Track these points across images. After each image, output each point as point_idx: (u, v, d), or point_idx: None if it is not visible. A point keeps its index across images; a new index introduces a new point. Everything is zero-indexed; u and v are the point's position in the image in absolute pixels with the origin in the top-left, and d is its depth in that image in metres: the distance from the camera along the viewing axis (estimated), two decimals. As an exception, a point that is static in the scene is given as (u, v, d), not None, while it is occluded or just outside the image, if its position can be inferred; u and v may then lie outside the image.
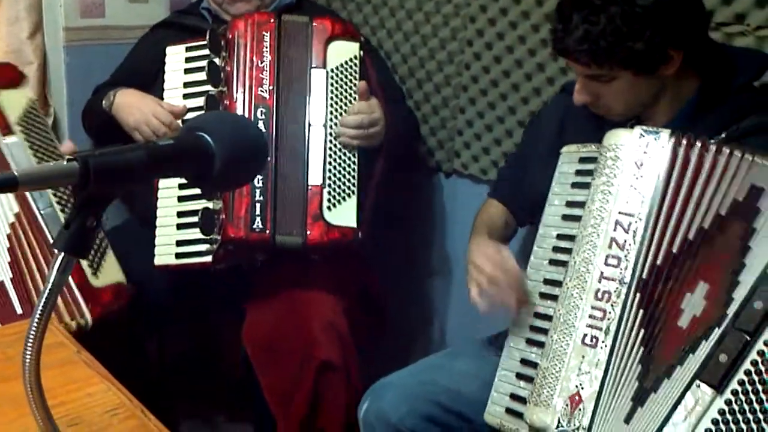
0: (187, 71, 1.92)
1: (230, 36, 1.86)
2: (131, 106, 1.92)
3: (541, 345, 1.41)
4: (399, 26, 2.29)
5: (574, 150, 1.48)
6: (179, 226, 1.85)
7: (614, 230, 1.33)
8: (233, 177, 0.90)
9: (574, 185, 1.45)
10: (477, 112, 2.17)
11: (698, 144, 1.30)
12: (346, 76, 1.87)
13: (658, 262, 1.28)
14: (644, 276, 1.29)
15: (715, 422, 1.16)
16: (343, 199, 1.82)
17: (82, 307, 1.49)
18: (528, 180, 1.67)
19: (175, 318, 2.10)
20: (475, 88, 2.15)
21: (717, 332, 1.21)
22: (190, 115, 1.90)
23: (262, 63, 1.84)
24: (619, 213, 1.34)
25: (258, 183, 1.79)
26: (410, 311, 2.44)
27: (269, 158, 1.80)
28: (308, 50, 1.87)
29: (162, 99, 1.93)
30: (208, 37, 1.86)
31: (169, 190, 1.87)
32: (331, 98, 1.85)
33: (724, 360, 1.18)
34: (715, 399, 1.18)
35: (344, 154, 1.84)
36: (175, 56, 1.94)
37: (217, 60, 1.85)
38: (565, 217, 1.45)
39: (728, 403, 1.17)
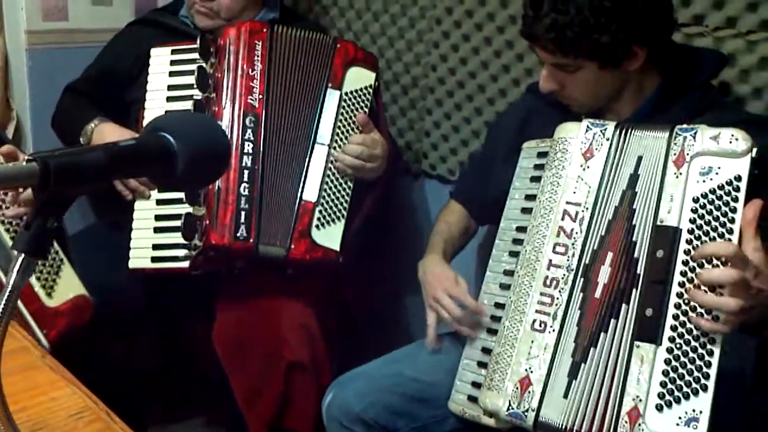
0: (172, 74, 1.90)
1: (221, 42, 1.84)
2: None
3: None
4: (365, 28, 2.29)
5: (533, 145, 1.52)
6: (157, 230, 1.83)
7: (562, 219, 1.38)
8: (197, 177, 0.89)
9: (533, 179, 1.49)
10: (444, 114, 2.18)
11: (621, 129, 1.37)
12: (358, 103, 1.88)
13: (595, 246, 1.34)
14: (586, 261, 1.34)
15: (665, 373, 1.20)
16: (333, 221, 1.83)
17: (37, 334, 1.47)
18: (491, 179, 1.69)
19: (147, 322, 2.08)
20: (442, 89, 2.16)
21: (635, 293, 1.27)
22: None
23: (252, 71, 1.83)
24: (567, 203, 1.38)
25: (244, 191, 1.78)
26: (382, 311, 2.44)
27: (256, 167, 1.79)
28: (328, 69, 1.87)
29: (144, 99, 1.90)
30: (199, 41, 1.84)
31: (143, 199, 1.85)
32: (341, 120, 1.86)
33: (650, 314, 1.24)
34: (657, 352, 1.22)
35: (341, 177, 1.85)
36: (161, 58, 1.91)
37: (206, 65, 1.83)
38: (524, 210, 1.48)
39: (669, 351, 1.21)
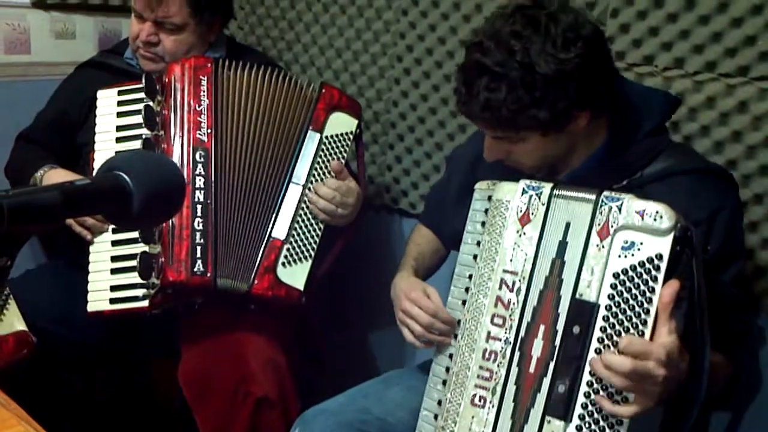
0: (119, 114, 1.90)
1: (166, 80, 1.86)
2: None
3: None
4: (328, 64, 2.33)
5: (485, 187, 1.46)
6: (114, 271, 1.81)
7: (499, 289, 1.34)
8: (153, 214, 0.90)
9: (483, 224, 1.44)
10: (405, 148, 2.22)
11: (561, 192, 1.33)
12: (337, 147, 1.90)
13: (529, 318, 1.31)
14: (522, 334, 1.31)
15: None
16: (299, 260, 1.83)
17: None
18: (448, 213, 1.70)
19: (107, 355, 2.06)
20: (403, 125, 2.20)
21: (551, 365, 1.26)
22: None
23: (199, 107, 1.84)
24: (504, 271, 1.34)
25: (198, 225, 1.77)
26: (345, 344, 2.45)
27: (209, 201, 1.80)
28: (310, 111, 1.90)
29: (93, 141, 1.90)
30: (144, 80, 1.85)
31: (101, 234, 1.85)
32: (318, 163, 1.88)
33: (562, 390, 1.23)
34: (566, 429, 1.22)
35: (313, 218, 1.86)
36: (107, 99, 1.91)
37: (152, 104, 1.84)
38: (476, 258, 1.43)
39: (579, 429, 1.22)
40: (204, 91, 1.85)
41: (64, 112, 2.08)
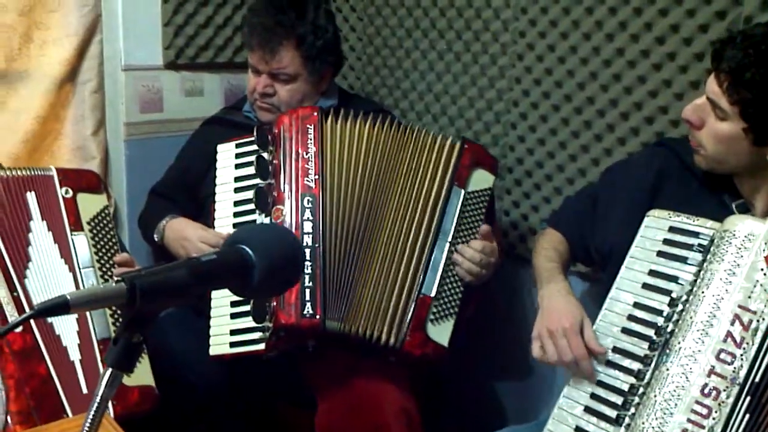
0: (237, 166, 1.99)
1: (276, 131, 1.93)
2: (179, 239, 2.02)
3: (600, 416, 1.37)
4: (443, 111, 2.35)
5: (663, 216, 1.42)
6: (233, 316, 1.88)
7: (731, 324, 1.27)
8: (272, 286, 0.94)
9: (661, 254, 1.41)
10: (523, 193, 2.19)
11: None
12: (477, 204, 1.93)
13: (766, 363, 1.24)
14: (756, 379, 1.24)
15: None
16: (446, 317, 1.85)
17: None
18: (600, 226, 1.62)
19: (231, 403, 2.13)
20: (521, 169, 2.18)
21: None
22: (240, 208, 1.96)
23: (306, 154, 1.90)
24: (739, 307, 1.27)
25: (306, 269, 1.82)
26: (465, 389, 2.42)
27: (317, 245, 1.84)
28: (452, 167, 1.93)
29: (214, 193, 2.00)
30: (255, 133, 1.94)
31: None
32: (463, 220, 1.91)
33: None
34: None
35: (458, 275, 1.88)
36: (226, 153, 2.01)
37: (265, 154, 1.92)
38: (647, 287, 1.40)
39: None
40: (311, 139, 1.91)
41: (189, 167, 2.21)
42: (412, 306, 1.83)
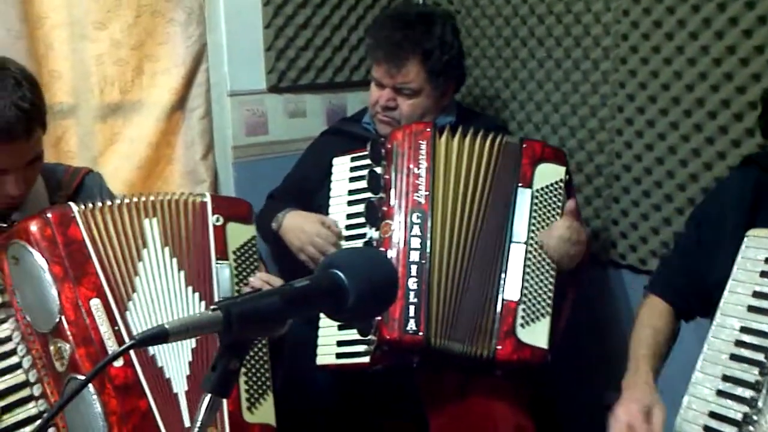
0: (351, 180, 2.01)
1: (389, 146, 1.94)
2: (295, 229, 2.04)
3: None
4: (546, 119, 2.30)
5: (764, 235, 1.37)
6: (341, 327, 1.90)
7: None
8: (366, 310, 0.94)
9: (764, 274, 1.35)
10: (632, 201, 2.12)
11: None
12: (550, 198, 1.89)
13: None
14: None
15: None
16: (538, 318, 1.81)
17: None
18: (703, 264, 1.55)
19: (340, 418, 2.15)
20: (629, 177, 2.11)
21: None
22: (352, 221, 1.98)
23: (418, 170, 1.89)
24: None
25: (412, 285, 1.81)
26: (578, 408, 2.35)
27: (424, 261, 1.83)
28: (517, 169, 1.91)
29: (328, 205, 2.03)
30: (369, 147, 1.95)
31: None
32: (534, 218, 1.87)
33: None
34: None
35: (543, 273, 1.84)
36: (341, 166, 2.04)
37: (377, 169, 1.93)
38: (752, 309, 1.34)
39: None
40: (423, 155, 1.90)
41: (305, 176, 2.24)
42: (498, 314, 1.80)
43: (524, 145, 1.92)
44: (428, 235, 1.84)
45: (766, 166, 1.44)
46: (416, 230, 1.85)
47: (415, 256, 1.83)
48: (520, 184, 1.89)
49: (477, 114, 2.33)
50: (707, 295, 1.52)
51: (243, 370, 1.61)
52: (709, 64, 1.86)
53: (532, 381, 1.98)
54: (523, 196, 1.88)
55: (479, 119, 2.20)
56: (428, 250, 1.84)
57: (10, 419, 1.44)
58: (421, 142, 1.91)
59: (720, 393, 1.34)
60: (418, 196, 1.88)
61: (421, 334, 1.79)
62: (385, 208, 1.88)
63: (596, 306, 2.27)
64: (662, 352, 1.58)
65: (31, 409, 1.46)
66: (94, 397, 1.41)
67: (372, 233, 1.89)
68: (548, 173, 1.90)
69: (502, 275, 1.83)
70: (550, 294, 1.82)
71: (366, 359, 1.84)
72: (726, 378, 1.35)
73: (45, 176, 1.70)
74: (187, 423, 1.50)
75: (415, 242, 1.84)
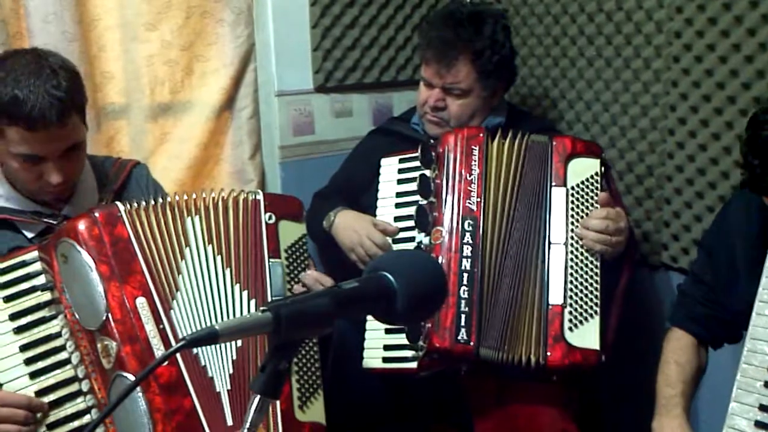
0: (399, 182, 2.00)
1: (441, 150, 1.91)
2: (348, 229, 2.02)
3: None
4: (596, 119, 2.26)
5: None
6: (388, 331, 1.89)
7: None
8: (416, 313, 0.93)
9: None
10: (684, 203, 2.07)
11: None
12: (586, 193, 1.86)
13: None
14: None
15: None
16: (585, 319, 1.78)
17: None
18: (721, 294, 1.53)
19: (388, 422, 2.14)
20: (681, 177, 2.06)
21: None
22: (400, 224, 1.96)
23: (470, 176, 1.86)
24: None
25: (463, 294, 1.79)
26: (623, 413, 2.31)
27: (475, 270, 1.81)
28: (548, 168, 1.88)
29: (375, 206, 2.02)
30: (419, 151, 1.93)
31: None
32: (572, 216, 1.84)
33: None
34: None
35: (586, 273, 1.80)
36: (389, 167, 2.02)
37: (428, 172, 1.91)
38: None
39: None
40: (475, 161, 1.87)
41: (353, 175, 2.23)
42: (545, 320, 1.77)
43: (554, 143, 1.88)
44: (480, 243, 1.82)
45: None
46: (468, 238, 1.83)
47: (466, 264, 1.81)
48: (553, 184, 1.85)
49: (527, 114, 2.30)
50: (731, 322, 1.50)
51: (294, 368, 1.62)
52: (766, 61, 1.80)
53: (579, 386, 1.95)
54: (558, 195, 1.85)
55: (529, 120, 2.17)
56: (480, 257, 1.81)
57: (59, 413, 1.47)
58: (473, 147, 1.88)
59: (758, 424, 1.32)
60: (470, 203, 1.85)
61: (472, 344, 1.77)
62: (435, 214, 1.86)
63: (647, 309, 2.23)
64: (690, 390, 1.56)
65: (79, 404, 1.49)
66: (140, 394, 1.42)
67: (422, 238, 1.87)
68: (582, 168, 1.86)
69: (545, 279, 1.80)
70: (597, 293, 1.78)
71: (413, 365, 1.83)
72: (763, 408, 1.32)
73: (95, 170, 1.73)
74: (229, 422, 1.51)
75: (467, 250, 1.82)
